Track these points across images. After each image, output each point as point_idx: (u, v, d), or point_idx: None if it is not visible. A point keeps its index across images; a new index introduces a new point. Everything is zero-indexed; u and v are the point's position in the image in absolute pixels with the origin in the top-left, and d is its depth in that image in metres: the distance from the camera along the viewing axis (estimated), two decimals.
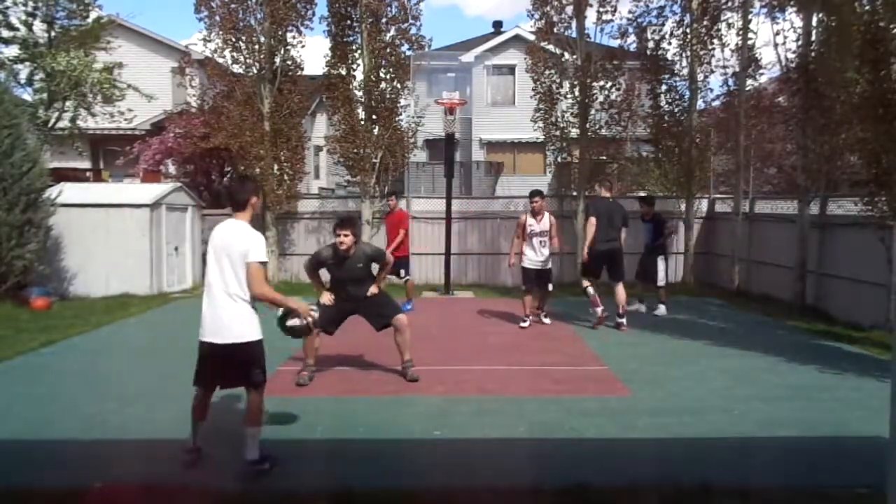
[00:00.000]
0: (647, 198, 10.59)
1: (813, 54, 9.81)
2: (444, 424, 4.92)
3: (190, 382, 4.10)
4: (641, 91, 14.38)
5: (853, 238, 9.17)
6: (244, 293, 3.91)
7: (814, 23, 9.81)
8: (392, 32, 13.03)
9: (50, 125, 12.80)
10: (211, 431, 4.18)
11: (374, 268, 6.14)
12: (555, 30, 13.18)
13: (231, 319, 3.90)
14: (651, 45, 13.48)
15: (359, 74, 13.14)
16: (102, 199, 11.39)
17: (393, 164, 13.40)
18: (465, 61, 20.04)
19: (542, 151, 19.84)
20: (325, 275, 6.03)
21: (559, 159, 13.97)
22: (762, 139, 14.20)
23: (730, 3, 12.85)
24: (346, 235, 5.70)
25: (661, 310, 9.72)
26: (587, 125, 13.25)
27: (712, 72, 13.09)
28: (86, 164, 18.81)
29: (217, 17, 12.71)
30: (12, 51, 12.67)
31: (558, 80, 13.33)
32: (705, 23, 12.83)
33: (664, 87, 13.54)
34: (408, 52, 13.13)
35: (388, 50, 12.88)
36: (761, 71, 12.90)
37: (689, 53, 13.01)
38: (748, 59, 12.60)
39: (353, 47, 13.08)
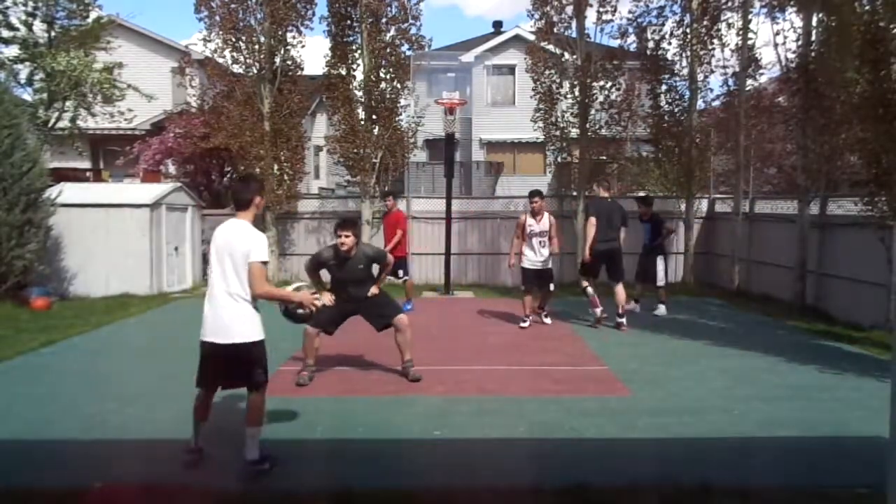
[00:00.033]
0: (645, 198, 10.58)
1: (813, 54, 9.81)
2: (444, 424, 4.92)
3: (190, 382, 4.10)
4: (641, 91, 14.38)
5: (853, 238, 9.17)
6: (246, 293, 3.90)
7: (814, 23, 9.82)
8: (392, 32, 13.04)
9: (50, 125, 12.81)
10: (212, 431, 4.18)
11: (375, 268, 6.15)
12: (555, 30, 13.18)
13: (232, 319, 3.90)
14: (651, 45, 13.48)
15: (359, 74, 13.15)
16: (102, 199, 11.39)
17: (393, 164, 13.41)
18: (465, 61, 20.04)
19: (542, 151, 19.84)
20: (325, 275, 6.03)
21: (559, 159, 13.98)
22: (762, 139, 14.20)
23: (730, 3, 12.85)
24: (347, 236, 5.70)
25: (661, 310, 9.72)
26: (587, 125, 13.25)
27: (712, 72, 13.10)
28: (86, 164, 18.81)
29: (217, 17, 12.72)
30: (12, 51, 12.69)
31: (558, 80, 13.33)
32: (705, 23, 12.83)
33: (664, 87, 13.54)
34: (408, 52, 13.13)
35: (388, 50, 12.89)
36: (761, 71, 12.93)
37: (689, 53, 13.01)
38: (748, 59, 12.61)
39: (353, 47, 13.09)
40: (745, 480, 3.92)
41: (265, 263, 3.91)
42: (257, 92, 12.82)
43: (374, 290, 6.03)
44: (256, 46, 12.72)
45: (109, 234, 11.09)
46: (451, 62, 18.36)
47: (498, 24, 26.67)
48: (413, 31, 13.10)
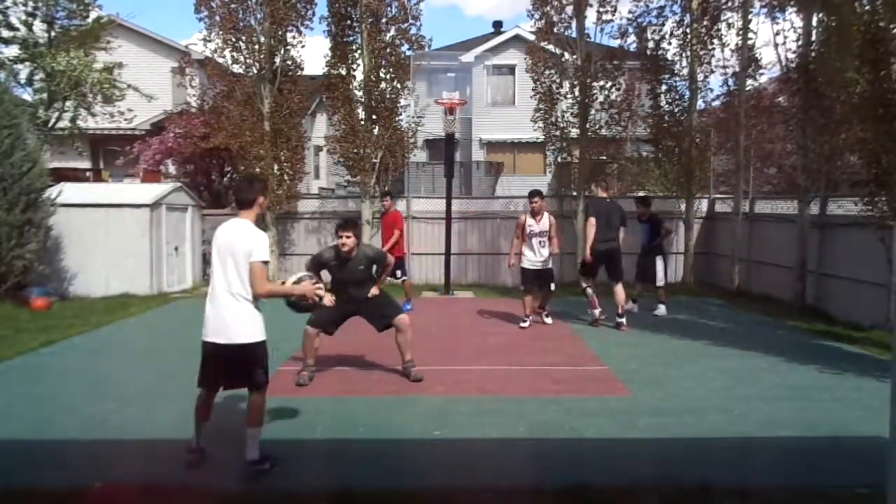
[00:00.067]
0: (644, 198, 10.57)
1: (813, 54, 9.81)
2: (444, 424, 4.92)
3: (190, 382, 4.10)
4: (641, 91, 14.38)
5: (853, 238, 9.17)
6: (248, 293, 3.89)
7: (814, 23, 9.82)
8: (392, 32, 13.04)
9: (50, 125, 12.81)
10: (213, 432, 4.18)
11: (375, 269, 6.15)
12: (555, 30, 13.19)
13: (234, 319, 3.89)
14: (651, 45, 13.49)
15: (359, 74, 13.15)
16: (102, 199, 11.40)
17: (393, 164, 13.41)
18: (465, 61, 20.04)
19: (542, 151, 19.83)
20: (325, 276, 6.02)
21: (559, 159, 13.98)
22: (762, 139, 14.20)
23: (730, 3, 12.86)
24: (348, 237, 5.70)
25: (661, 310, 9.72)
26: (587, 125, 13.26)
27: (712, 72, 13.10)
28: (86, 164, 18.81)
29: (217, 17, 12.71)
30: (12, 51, 12.69)
31: (558, 80, 13.33)
32: (705, 23, 12.83)
33: (664, 87, 13.54)
34: (408, 52, 13.13)
35: (388, 50, 12.89)
36: (761, 71, 12.93)
37: (689, 53, 13.01)
38: (748, 59, 12.61)
39: (353, 47, 13.09)
40: (745, 480, 3.92)
41: (266, 263, 3.91)
42: (257, 92, 12.82)
43: (374, 290, 6.03)
44: (256, 46, 12.71)
45: (109, 234, 11.09)
46: (451, 62, 18.38)
47: (498, 24, 26.67)
48: (413, 31, 13.12)
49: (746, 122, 12.66)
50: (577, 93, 13.21)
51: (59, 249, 10.94)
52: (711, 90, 15.60)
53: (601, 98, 13.27)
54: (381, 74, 13.00)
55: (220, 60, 12.98)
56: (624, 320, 8.60)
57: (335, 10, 12.91)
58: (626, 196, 14.05)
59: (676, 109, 13.42)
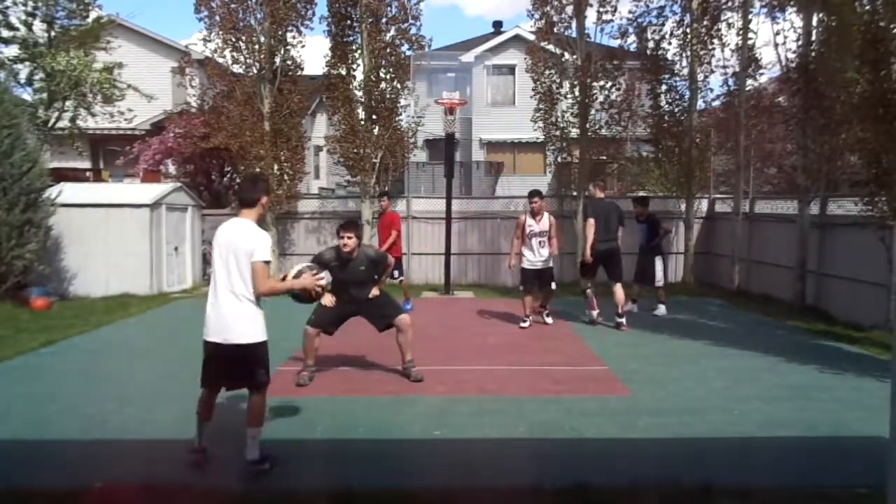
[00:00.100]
0: (642, 198, 10.55)
1: (813, 54, 9.82)
2: (444, 424, 4.92)
3: (190, 382, 4.11)
4: (641, 91, 14.38)
5: (853, 238, 9.17)
6: (249, 293, 3.89)
7: (814, 23, 9.82)
8: (392, 32, 13.05)
9: (50, 125, 12.81)
10: (213, 431, 4.18)
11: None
12: (555, 30, 13.19)
13: (235, 319, 3.89)
14: (651, 45, 13.49)
15: (359, 74, 13.15)
16: (102, 199, 11.40)
17: (393, 164, 13.42)
18: (465, 61, 19.97)
19: (542, 151, 19.83)
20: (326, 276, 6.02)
21: (559, 159, 13.98)
22: (762, 139, 14.20)
23: (730, 3, 12.86)
24: (349, 237, 5.71)
25: (661, 310, 9.72)
26: (587, 125, 13.26)
27: (712, 72, 13.11)
28: (86, 164, 18.80)
29: (217, 17, 12.72)
30: (12, 51, 12.68)
31: (558, 80, 13.33)
32: (705, 23, 12.83)
33: (664, 87, 13.55)
34: (408, 52, 13.14)
35: (388, 50, 12.89)
36: (761, 71, 12.93)
37: (689, 53, 13.02)
38: (748, 59, 12.61)
39: (353, 47, 13.09)
40: (745, 480, 3.92)
41: (268, 263, 3.91)
42: (257, 92, 12.82)
43: (374, 291, 6.04)
44: (256, 46, 12.72)
45: (109, 234, 11.09)
46: (451, 62, 18.32)
47: (498, 24, 26.67)
48: (413, 31, 13.13)
49: (746, 122, 12.66)
50: (577, 93, 13.21)
51: (59, 249, 10.94)
52: (711, 90, 15.67)
53: (601, 98, 13.27)
54: (381, 74, 13.00)
55: (220, 60, 12.99)
56: (624, 320, 8.61)
57: (335, 10, 12.92)
58: (626, 196, 14.05)
59: (676, 109, 13.42)
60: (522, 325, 8.72)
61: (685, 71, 13.23)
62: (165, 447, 4.41)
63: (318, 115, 21.19)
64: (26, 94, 12.89)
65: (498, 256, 13.44)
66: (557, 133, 13.46)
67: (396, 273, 9.75)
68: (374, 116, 13.09)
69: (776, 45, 10.57)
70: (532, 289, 8.69)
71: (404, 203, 13.79)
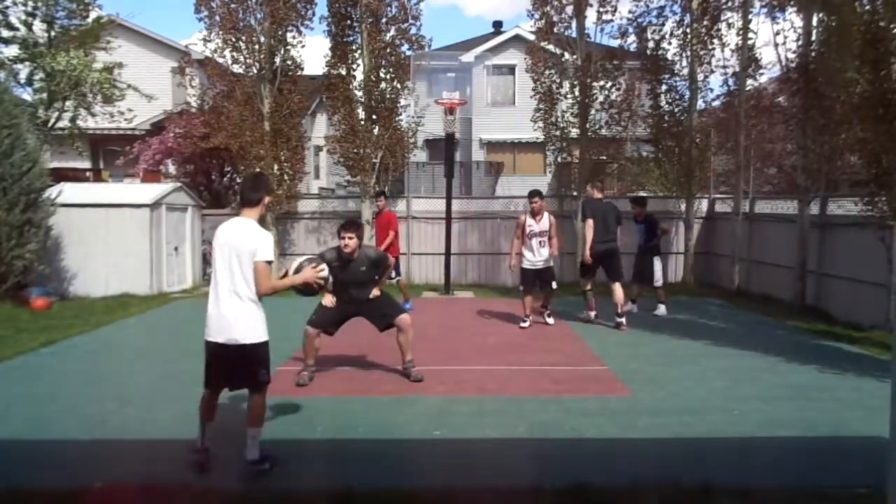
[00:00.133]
0: (640, 198, 10.51)
1: (813, 54, 9.82)
2: (444, 424, 4.92)
3: (190, 382, 4.11)
4: (641, 91, 14.38)
5: (853, 238, 9.17)
6: (252, 292, 3.88)
7: (814, 23, 9.82)
8: (392, 32, 13.06)
9: (50, 125, 12.81)
10: (214, 432, 4.17)
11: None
12: (555, 30, 13.19)
13: (237, 319, 3.88)
14: (651, 45, 13.49)
15: (359, 74, 13.15)
16: (102, 199, 11.39)
17: (393, 164, 13.42)
18: (465, 61, 19.97)
19: (542, 151, 19.83)
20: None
21: (559, 159, 13.98)
22: (762, 139, 14.20)
23: (730, 3, 12.86)
24: (350, 238, 5.70)
25: (661, 310, 9.72)
26: (587, 125, 13.26)
27: (712, 72, 13.11)
28: (86, 164, 18.81)
29: (217, 17, 12.73)
30: (12, 51, 12.68)
31: (558, 80, 13.33)
32: (705, 23, 12.84)
33: (664, 87, 13.55)
34: (408, 52, 13.14)
35: (388, 50, 12.90)
36: (761, 71, 12.93)
37: (689, 53, 13.02)
38: (748, 59, 12.61)
39: (353, 47, 13.09)
40: (745, 480, 3.92)
41: (270, 263, 3.90)
42: (257, 92, 12.83)
43: (375, 292, 6.03)
44: (256, 46, 12.72)
45: (109, 234, 11.09)
46: (451, 62, 18.32)
47: (498, 24, 26.67)
48: (413, 31, 13.14)
49: (746, 122, 12.66)
50: (577, 93, 13.21)
51: (59, 249, 10.94)
52: (711, 90, 15.67)
53: (601, 98, 13.27)
54: (381, 74, 13.01)
55: (220, 60, 12.99)
56: (624, 320, 8.61)
57: (335, 10, 12.92)
58: (626, 196, 14.05)
59: (676, 109, 13.43)
60: (522, 325, 8.72)
61: (685, 71, 13.24)
62: (165, 447, 4.41)
63: (318, 115, 21.19)
64: (26, 94, 12.91)
65: (498, 256, 13.44)
66: (557, 133, 13.46)
67: (394, 273, 9.75)
68: (374, 116, 13.10)
69: (776, 45, 10.58)
70: (532, 289, 8.69)
71: (404, 203, 13.80)
